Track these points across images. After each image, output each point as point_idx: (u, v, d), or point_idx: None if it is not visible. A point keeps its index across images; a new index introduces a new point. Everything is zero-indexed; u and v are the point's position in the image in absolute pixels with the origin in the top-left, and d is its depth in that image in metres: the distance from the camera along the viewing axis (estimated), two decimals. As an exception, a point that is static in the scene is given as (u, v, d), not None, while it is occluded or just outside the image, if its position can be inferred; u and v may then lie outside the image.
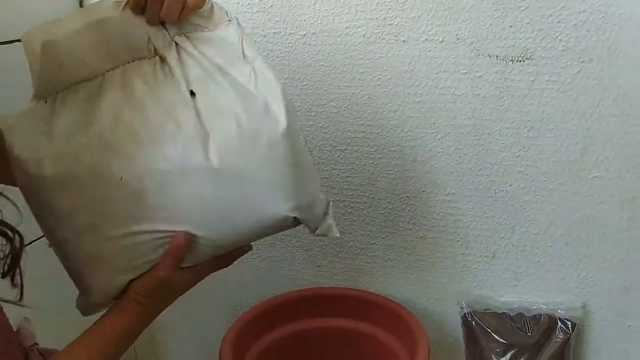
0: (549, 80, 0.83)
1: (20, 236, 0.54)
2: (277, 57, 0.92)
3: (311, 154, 0.67)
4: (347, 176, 0.96)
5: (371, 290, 1.02)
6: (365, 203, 0.97)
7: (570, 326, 0.91)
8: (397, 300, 1.00)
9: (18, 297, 0.55)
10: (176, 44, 0.62)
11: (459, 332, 0.98)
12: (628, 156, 0.83)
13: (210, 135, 0.59)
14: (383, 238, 0.99)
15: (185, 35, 0.62)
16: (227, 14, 0.64)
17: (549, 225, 0.90)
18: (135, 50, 0.61)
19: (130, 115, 0.59)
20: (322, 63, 0.90)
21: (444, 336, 1.02)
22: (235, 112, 0.59)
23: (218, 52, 0.62)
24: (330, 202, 0.70)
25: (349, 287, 1.03)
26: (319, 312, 1.00)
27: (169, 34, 0.61)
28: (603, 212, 0.87)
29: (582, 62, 0.81)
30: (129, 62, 0.61)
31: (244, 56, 0.62)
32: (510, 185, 0.90)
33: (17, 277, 0.55)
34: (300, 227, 1.03)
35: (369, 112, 0.91)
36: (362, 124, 0.92)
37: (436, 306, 1.01)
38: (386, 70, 0.88)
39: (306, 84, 0.92)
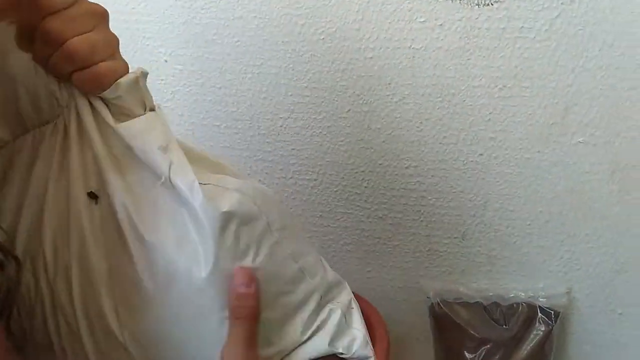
0: (522, 27, 0.69)
1: (18, 261, 0.39)
2: (202, 9, 0.77)
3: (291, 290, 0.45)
4: (292, 149, 0.83)
5: (327, 279, 0.90)
6: (315, 180, 0.84)
7: (552, 316, 0.78)
8: (356, 289, 0.88)
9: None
10: (78, 114, 0.41)
11: (428, 322, 0.86)
12: (618, 117, 0.70)
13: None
14: (337, 219, 0.86)
15: (90, 103, 0.41)
16: (150, 100, 0.43)
17: (526, 201, 0.77)
18: (39, 109, 0.42)
19: (29, 218, 0.42)
20: (255, 14, 0.76)
21: (411, 328, 0.90)
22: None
23: (129, 142, 0.41)
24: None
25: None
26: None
27: (73, 95, 0.41)
28: (589, 184, 0.74)
29: (561, 3, 0.67)
30: (38, 127, 0.42)
31: (164, 150, 0.40)
32: (481, 154, 0.76)
33: (14, 320, 0.39)
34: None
35: (312, 72, 0.77)
36: (305, 87, 0.78)
37: (400, 295, 0.88)
38: (330, 21, 0.74)
39: (237, 40, 0.78)
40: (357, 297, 0.83)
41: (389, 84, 0.75)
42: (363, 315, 0.80)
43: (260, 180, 0.86)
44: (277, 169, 0.84)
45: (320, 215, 0.86)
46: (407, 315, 0.88)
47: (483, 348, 0.79)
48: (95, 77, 0.39)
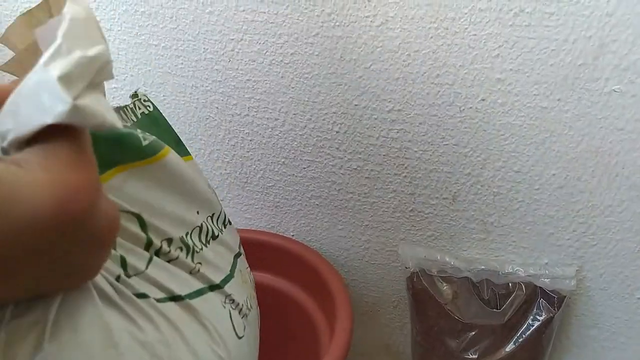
0: None
1: None
2: None
3: None
4: (247, 80, 0.66)
5: (291, 235, 0.76)
6: (277, 119, 0.68)
7: (555, 301, 0.64)
8: (323, 250, 0.74)
9: None
10: None
11: (405, 292, 0.72)
12: (671, 60, 0.52)
13: None
14: (304, 168, 0.70)
15: None
16: None
17: (537, 161, 0.61)
18: None
19: None
20: None
21: (388, 294, 0.76)
22: None
23: None
24: None
25: (259, 230, 0.76)
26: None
27: None
28: (620, 145, 0.58)
29: None
30: None
31: None
32: (483, 99, 0.59)
33: None
34: (201, 151, 0.75)
35: (270, -19, 0.59)
36: (261, 1, 0.60)
37: (376, 258, 0.74)
38: None
39: None
40: (321, 260, 0.70)
41: (369, 1, 0.57)
42: (323, 283, 0.67)
43: (209, 116, 0.70)
44: (230, 104, 0.68)
45: (283, 162, 0.70)
46: (386, 278, 0.75)
47: (467, 335, 0.65)
48: None
